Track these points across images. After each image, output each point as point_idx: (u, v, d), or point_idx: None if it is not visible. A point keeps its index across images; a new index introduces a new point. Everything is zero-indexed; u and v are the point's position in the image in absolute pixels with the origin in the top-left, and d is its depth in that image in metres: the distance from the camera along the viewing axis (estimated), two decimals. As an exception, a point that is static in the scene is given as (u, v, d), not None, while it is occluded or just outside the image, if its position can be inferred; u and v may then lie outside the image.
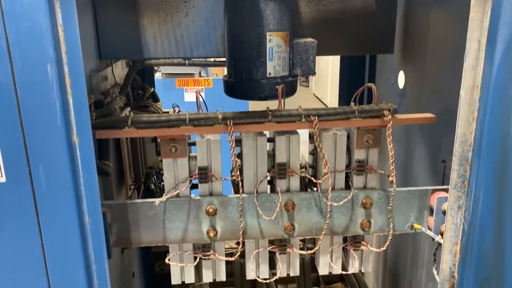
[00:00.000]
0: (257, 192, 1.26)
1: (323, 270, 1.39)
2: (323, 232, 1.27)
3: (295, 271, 1.38)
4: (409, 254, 1.72)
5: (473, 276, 1.09)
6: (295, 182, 1.29)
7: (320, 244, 1.31)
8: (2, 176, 0.95)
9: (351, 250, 1.36)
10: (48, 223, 1.00)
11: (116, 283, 1.50)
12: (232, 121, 1.16)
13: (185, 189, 1.25)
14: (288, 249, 1.34)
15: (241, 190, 1.23)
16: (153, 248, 1.81)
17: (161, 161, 1.25)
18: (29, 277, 1.03)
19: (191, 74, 4.46)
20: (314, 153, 1.36)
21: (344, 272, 1.36)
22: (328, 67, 5.44)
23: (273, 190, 1.32)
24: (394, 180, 1.22)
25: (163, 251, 1.78)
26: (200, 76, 4.68)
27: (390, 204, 1.26)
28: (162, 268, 1.79)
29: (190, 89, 4.38)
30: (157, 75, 4.40)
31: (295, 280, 1.73)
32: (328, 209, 1.25)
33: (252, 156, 1.26)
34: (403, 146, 1.71)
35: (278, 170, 1.27)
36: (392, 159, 1.19)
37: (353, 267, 1.38)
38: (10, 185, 0.96)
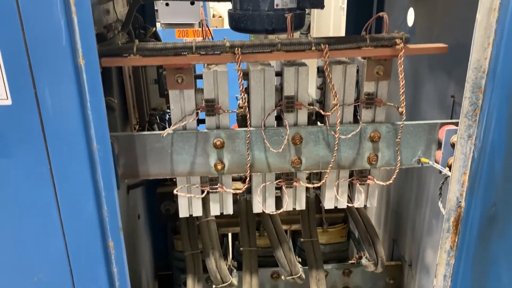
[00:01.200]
0: (264, 125, 1.25)
1: (328, 204, 1.40)
2: (330, 166, 1.27)
3: (301, 205, 1.39)
4: (413, 192, 1.73)
5: (480, 203, 1.10)
6: (302, 116, 1.28)
7: (326, 177, 1.32)
8: (7, 98, 0.93)
9: (357, 184, 1.37)
10: (56, 148, 0.99)
11: (122, 225, 1.52)
12: (240, 49, 1.13)
13: (192, 122, 1.24)
14: (294, 183, 1.34)
15: (249, 123, 1.22)
16: (159, 189, 1.83)
17: (167, 94, 1.23)
18: (38, 202, 1.03)
19: (191, 25, 4.35)
20: (322, 87, 1.33)
21: (350, 205, 1.37)
22: (330, 18, 5.32)
23: (280, 125, 1.30)
24: (404, 111, 1.20)
25: (169, 192, 1.79)
26: (200, 27, 4.56)
27: (399, 137, 1.26)
28: (168, 208, 1.81)
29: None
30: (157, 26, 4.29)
31: (299, 221, 1.75)
32: (336, 142, 1.24)
33: (260, 88, 1.24)
34: (411, 84, 1.69)
35: (286, 103, 1.25)
36: (403, 89, 1.17)
37: (359, 201, 1.39)
38: (16, 108, 0.94)
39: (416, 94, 1.65)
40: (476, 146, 1.07)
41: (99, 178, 1.04)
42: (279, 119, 1.34)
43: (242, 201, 1.64)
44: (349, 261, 2.00)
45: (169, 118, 1.35)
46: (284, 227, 1.96)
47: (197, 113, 1.24)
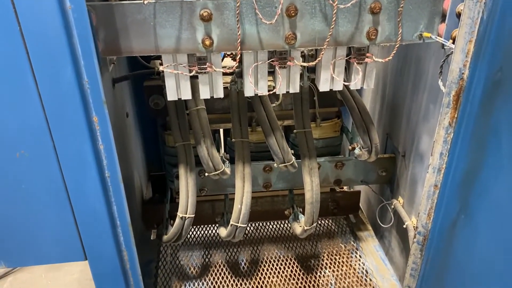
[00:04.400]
0: (252, -5, 1.15)
1: (323, 87, 1.34)
2: (327, 41, 1.19)
3: (295, 87, 1.33)
4: (410, 81, 1.67)
5: (485, 69, 1.04)
6: (298, -15, 1.17)
7: (323, 54, 1.24)
8: None
9: (355, 64, 1.30)
10: (28, 9, 0.89)
11: (110, 122, 1.47)
12: None
13: (175, -10, 1.12)
14: (288, 62, 1.27)
15: (238, -11, 1.11)
16: (146, 82, 1.74)
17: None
18: (12, 69, 0.95)
19: None
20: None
21: (346, 84, 1.31)
22: None
23: (273, -6, 1.19)
24: (409, -26, 1.10)
25: (157, 85, 1.71)
26: None
27: (401, 5, 1.16)
28: (156, 102, 1.74)
29: None
30: None
31: (292, 116, 1.71)
32: (334, 12, 1.14)
33: (250, -50, 1.11)
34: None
35: (280, -32, 1.13)
36: None
37: (355, 81, 1.33)
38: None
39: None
40: (487, 5, 0.99)
41: (76, 44, 0.96)
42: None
43: (233, 92, 1.57)
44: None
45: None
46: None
47: (182, -20, 1.13)
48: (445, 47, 1.22)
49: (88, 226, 1.19)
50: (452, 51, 1.13)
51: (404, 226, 1.73)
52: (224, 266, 1.95)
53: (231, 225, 1.60)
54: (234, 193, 1.59)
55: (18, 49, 0.93)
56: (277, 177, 1.85)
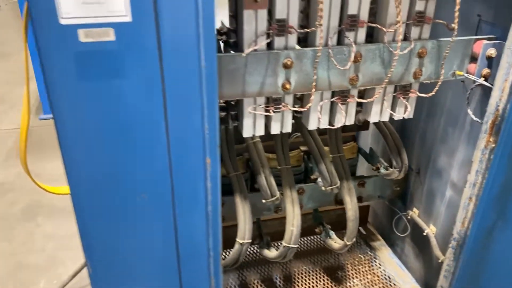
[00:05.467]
0: (328, 45, 1.33)
1: (373, 119, 1.54)
2: (386, 81, 1.40)
3: (351, 120, 1.52)
4: (424, 106, 1.92)
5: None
6: (361, 34, 1.37)
7: (380, 92, 1.45)
8: (127, 15, 0.91)
9: (400, 98, 1.52)
10: (171, 65, 1.00)
11: None
12: (321, -33, 1.16)
13: (263, 43, 1.27)
14: (349, 99, 1.46)
15: (320, 41, 1.28)
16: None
17: (235, 16, 1.24)
18: (147, 119, 1.05)
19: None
20: (374, 6, 1.41)
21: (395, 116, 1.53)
22: None
23: (339, 43, 1.38)
24: (456, 27, 1.33)
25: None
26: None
27: (446, 51, 1.40)
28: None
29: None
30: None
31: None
32: (395, 58, 1.35)
33: (326, 7, 1.29)
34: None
35: (350, 22, 1.32)
36: (458, 6, 1.29)
37: (400, 114, 1.55)
38: (135, 25, 0.93)
39: (439, 12, 1.78)
40: (526, 55, 1.25)
41: (204, 96, 1.08)
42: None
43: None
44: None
45: (234, 41, 1.36)
46: (302, 147, 2.11)
47: (268, 34, 1.28)
48: (464, 81, 1.48)
49: (187, 258, 1.29)
50: (477, 85, 1.39)
51: (424, 233, 1.97)
52: (261, 284, 2.07)
53: (284, 246, 1.74)
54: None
55: (157, 104, 1.03)
56: (307, 198, 2.02)
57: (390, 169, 1.92)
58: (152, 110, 1.03)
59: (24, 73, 1.23)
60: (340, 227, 2.36)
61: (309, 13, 1.35)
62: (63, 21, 0.88)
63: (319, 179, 1.83)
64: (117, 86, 0.98)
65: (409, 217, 2.10)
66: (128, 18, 0.92)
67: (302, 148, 2.10)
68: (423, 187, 2.02)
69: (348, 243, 1.83)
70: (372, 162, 2.10)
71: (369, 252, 2.31)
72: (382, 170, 1.93)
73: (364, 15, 1.34)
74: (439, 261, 1.84)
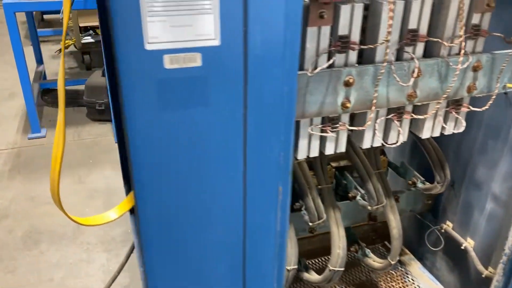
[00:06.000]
0: (387, 60, 1.27)
1: (426, 134, 1.50)
2: (444, 96, 1.35)
3: (405, 137, 1.47)
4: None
5: None
6: (420, 49, 1.32)
7: (438, 107, 1.40)
8: (216, 38, 0.83)
9: (453, 112, 1.47)
10: (255, 92, 0.92)
11: None
12: (391, -19, 1.11)
13: (330, 61, 1.21)
14: (405, 116, 1.40)
15: (383, 57, 1.23)
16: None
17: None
18: (225, 148, 0.97)
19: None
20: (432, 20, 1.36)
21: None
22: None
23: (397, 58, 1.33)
24: (516, 40, 1.30)
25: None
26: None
27: (504, 65, 1.37)
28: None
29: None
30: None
31: (344, 157, 1.84)
32: (457, 73, 1.31)
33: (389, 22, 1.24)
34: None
35: (411, 37, 1.27)
36: (521, 19, 1.26)
37: (450, 129, 1.50)
38: (223, 50, 0.84)
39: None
40: None
41: (283, 120, 1.00)
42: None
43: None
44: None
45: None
46: (333, 163, 2.04)
47: (330, 51, 1.21)
48: (507, 93, 1.46)
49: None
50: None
51: (462, 247, 1.93)
52: (296, 308, 1.99)
53: (330, 270, 1.66)
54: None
55: (238, 132, 0.95)
56: (343, 216, 1.95)
57: (427, 183, 1.88)
58: (231, 138, 0.95)
59: (59, 95, 1.09)
60: (366, 242, 2.31)
61: (367, 28, 1.29)
62: (149, 46, 0.79)
63: (359, 197, 1.77)
64: (198, 114, 0.89)
65: (442, 231, 2.06)
66: (216, 42, 0.83)
67: (334, 164, 2.03)
68: (458, 200, 1.99)
69: (392, 262, 1.77)
70: (405, 176, 2.06)
71: (400, 267, 2.26)
72: (420, 185, 1.89)
73: (424, 29, 1.29)
74: (483, 275, 1.80)
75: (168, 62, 0.82)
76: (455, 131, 1.54)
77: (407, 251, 2.40)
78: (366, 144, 1.43)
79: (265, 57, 0.89)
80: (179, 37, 0.80)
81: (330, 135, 1.31)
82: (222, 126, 0.93)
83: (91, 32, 5.83)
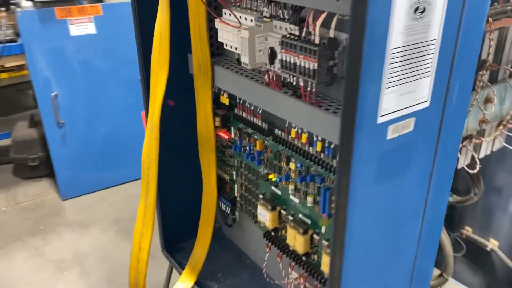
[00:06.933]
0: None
1: (482, 154, 1.58)
2: (505, 117, 1.45)
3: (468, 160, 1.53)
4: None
5: None
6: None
7: (500, 129, 1.49)
8: (427, 100, 0.78)
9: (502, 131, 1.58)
10: (445, 153, 0.88)
11: None
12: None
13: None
14: (475, 140, 1.46)
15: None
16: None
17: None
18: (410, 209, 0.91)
19: (72, 1, 3.63)
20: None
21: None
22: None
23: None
24: None
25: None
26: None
27: None
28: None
29: (76, 20, 3.59)
30: (27, 4, 3.42)
31: None
32: (513, 95, 1.41)
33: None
34: None
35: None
36: None
37: (496, 145, 1.61)
38: (431, 112, 0.80)
39: None
40: None
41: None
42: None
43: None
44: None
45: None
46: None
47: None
48: None
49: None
50: None
51: (488, 249, 2.07)
52: None
53: None
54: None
55: (424, 188, 0.90)
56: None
57: (454, 195, 1.98)
58: (420, 199, 0.90)
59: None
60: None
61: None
62: (380, 119, 0.71)
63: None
64: (400, 179, 0.83)
65: (463, 236, 2.18)
66: (427, 104, 0.78)
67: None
68: (476, 205, 2.12)
69: (448, 278, 1.82)
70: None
71: (425, 278, 2.34)
72: (451, 198, 1.98)
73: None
74: (516, 272, 1.94)
75: (391, 133, 0.75)
76: (499, 147, 1.65)
77: (423, 260, 2.50)
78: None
79: (457, 114, 0.86)
80: (403, 105, 0.74)
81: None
82: (416, 187, 0.87)
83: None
